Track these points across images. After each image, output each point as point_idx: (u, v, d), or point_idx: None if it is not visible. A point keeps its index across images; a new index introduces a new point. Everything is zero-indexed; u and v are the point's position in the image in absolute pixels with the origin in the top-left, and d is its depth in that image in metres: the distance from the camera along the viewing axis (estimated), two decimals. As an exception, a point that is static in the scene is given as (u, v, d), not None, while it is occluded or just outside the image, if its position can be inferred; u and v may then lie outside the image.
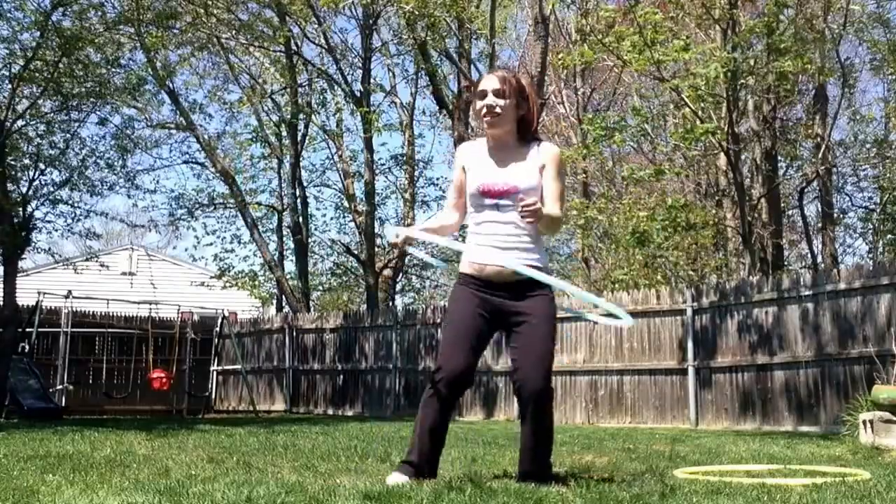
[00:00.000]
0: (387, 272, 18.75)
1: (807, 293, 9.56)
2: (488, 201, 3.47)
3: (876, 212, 16.50)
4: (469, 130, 14.76)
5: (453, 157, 3.87)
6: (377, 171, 18.54)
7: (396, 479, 3.33)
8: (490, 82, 3.52)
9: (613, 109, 18.90)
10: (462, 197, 3.62)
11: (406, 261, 19.90)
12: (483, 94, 3.51)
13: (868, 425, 5.95)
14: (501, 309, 3.47)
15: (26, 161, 12.55)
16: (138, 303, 14.56)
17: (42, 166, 12.63)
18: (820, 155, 13.93)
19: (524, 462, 3.48)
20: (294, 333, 15.48)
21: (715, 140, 11.74)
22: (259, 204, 19.93)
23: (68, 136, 13.00)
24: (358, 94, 16.83)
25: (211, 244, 20.38)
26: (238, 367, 15.17)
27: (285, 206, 19.04)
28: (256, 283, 20.08)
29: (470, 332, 3.47)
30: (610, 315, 3.86)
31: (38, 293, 12.88)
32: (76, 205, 13.35)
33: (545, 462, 3.48)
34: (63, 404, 12.92)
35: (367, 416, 13.06)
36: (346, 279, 21.90)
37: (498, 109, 3.46)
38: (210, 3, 13.59)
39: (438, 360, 3.51)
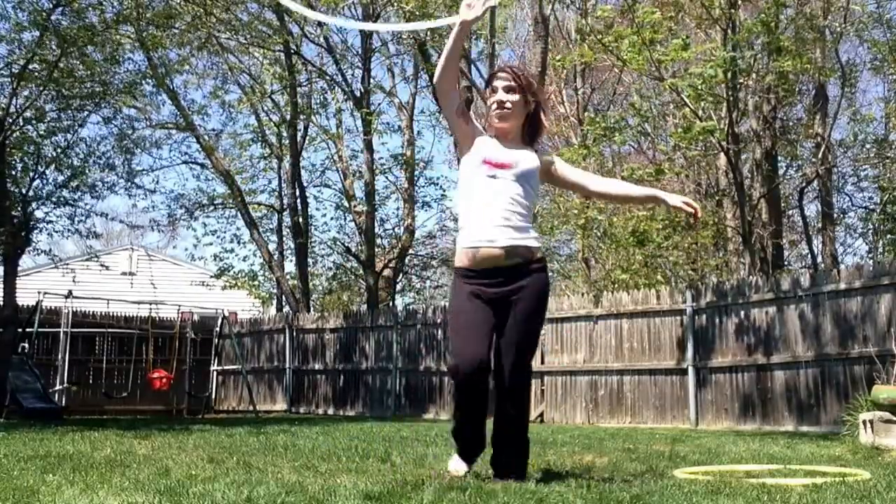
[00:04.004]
0: (387, 272, 18.75)
1: (807, 293, 9.57)
2: (488, 170, 3.55)
3: (876, 212, 16.49)
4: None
5: (454, 156, 4.01)
6: (377, 171, 18.54)
7: (457, 465, 3.63)
8: (502, 79, 3.63)
9: (613, 109, 18.90)
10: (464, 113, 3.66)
11: (406, 261, 19.91)
12: (494, 90, 3.63)
13: (868, 425, 5.94)
14: (494, 299, 3.52)
15: (27, 161, 12.55)
16: (138, 303, 14.56)
17: (42, 167, 12.63)
18: (820, 155, 13.93)
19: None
20: (294, 333, 15.48)
21: (715, 140, 11.74)
22: (259, 204, 19.94)
23: (69, 136, 13.00)
24: (358, 95, 16.83)
25: (211, 244, 20.41)
26: (238, 367, 15.18)
27: (285, 206, 19.04)
28: (256, 283, 20.09)
29: (480, 322, 3.49)
30: None
31: (39, 293, 12.88)
32: (76, 205, 13.36)
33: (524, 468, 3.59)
34: (63, 404, 12.91)
35: (367, 417, 13.06)
36: (346, 279, 21.91)
37: (508, 105, 3.59)
38: (210, 2, 13.59)
39: (452, 356, 3.56)
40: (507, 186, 3.52)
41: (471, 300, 3.50)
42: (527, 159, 3.61)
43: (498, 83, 3.61)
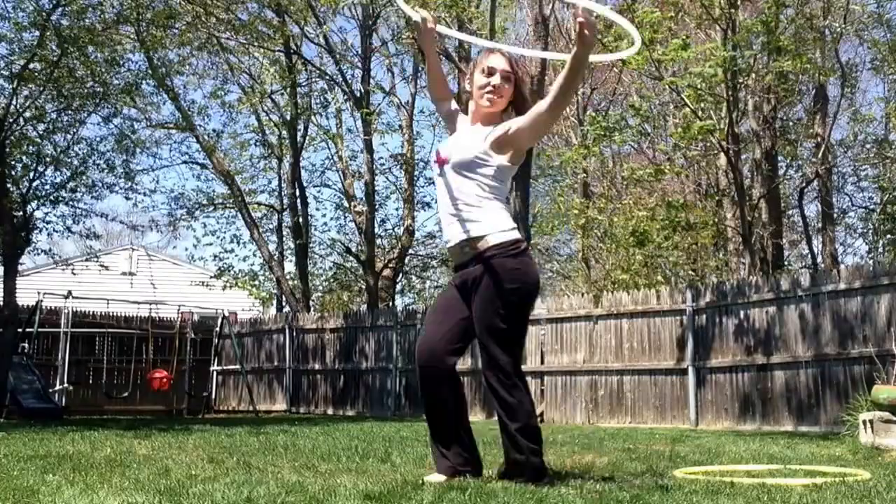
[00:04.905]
0: (387, 272, 18.75)
1: (807, 293, 9.56)
2: (436, 169, 3.59)
3: (876, 212, 16.49)
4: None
5: None
6: (377, 172, 18.54)
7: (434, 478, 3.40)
8: (499, 62, 3.53)
9: (613, 109, 18.90)
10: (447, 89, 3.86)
11: (406, 261, 19.90)
12: (491, 72, 3.51)
13: (868, 425, 5.94)
14: (464, 293, 3.50)
15: (27, 161, 12.54)
16: (138, 303, 14.56)
17: (42, 167, 12.62)
18: (820, 155, 13.93)
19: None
20: (294, 333, 15.48)
21: (715, 140, 11.75)
22: (259, 204, 19.94)
23: (69, 136, 13.00)
24: (358, 95, 16.84)
25: (210, 244, 20.41)
26: (238, 367, 15.18)
27: (285, 206, 19.04)
28: (256, 283, 20.09)
29: (441, 310, 3.58)
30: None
31: (38, 293, 12.88)
32: (76, 205, 13.35)
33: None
34: (63, 404, 12.92)
35: (367, 417, 13.06)
36: (346, 279, 21.92)
37: (502, 92, 3.52)
38: (210, 2, 13.59)
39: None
40: (451, 182, 3.50)
41: (449, 291, 3.60)
42: (467, 149, 3.49)
43: (496, 65, 3.52)
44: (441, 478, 3.39)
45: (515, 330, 3.39)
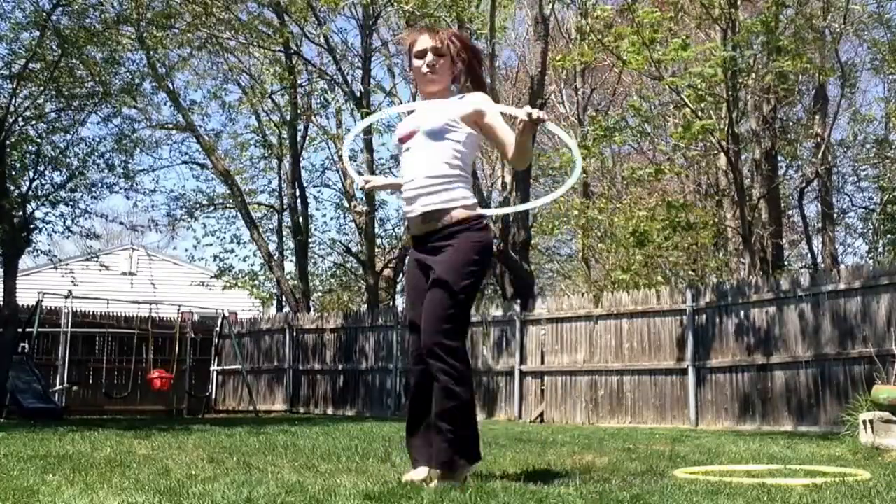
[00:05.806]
0: (387, 272, 18.75)
1: (806, 293, 9.56)
2: (402, 148, 3.53)
3: (876, 212, 16.49)
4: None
5: None
6: (377, 172, 18.53)
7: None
8: (426, 41, 3.50)
9: (613, 109, 18.91)
10: None
11: (406, 261, 19.91)
12: (421, 54, 3.49)
13: (868, 425, 5.94)
14: (425, 265, 3.43)
15: (26, 161, 12.54)
16: (138, 303, 14.56)
17: (42, 167, 12.61)
18: (820, 155, 13.93)
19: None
20: (294, 333, 15.48)
21: (715, 140, 11.74)
22: (259, 204, 19.95)
23: (69, 136, 12.99)
24: (358, 95, 16.84)
25: (210, 245, 20.43)
26: (238, 367, 15.18)
27: (285, 206, 19.05)
28: (256, 283, 20.09)
29: (410, 289, 3.53)
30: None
31: (39, 293, 12.88)
32: (76, 205, 13.34)
33: (444, 457, 3.24)
34: (63, 404, 12.92)
35: (367, 416, 13.06)
36: (346, 279, 21.92)
37: (437, 67, 3.48)
38: (210, 2, 13.59)
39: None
40: (419, 152, 3.45)
41: (411, 268, 3.54)
42: (437, 114, 3.44)
43: (425, 45, 3.49)
44: (424, 472, 3.34)
45: (467, 305, 3.34)
